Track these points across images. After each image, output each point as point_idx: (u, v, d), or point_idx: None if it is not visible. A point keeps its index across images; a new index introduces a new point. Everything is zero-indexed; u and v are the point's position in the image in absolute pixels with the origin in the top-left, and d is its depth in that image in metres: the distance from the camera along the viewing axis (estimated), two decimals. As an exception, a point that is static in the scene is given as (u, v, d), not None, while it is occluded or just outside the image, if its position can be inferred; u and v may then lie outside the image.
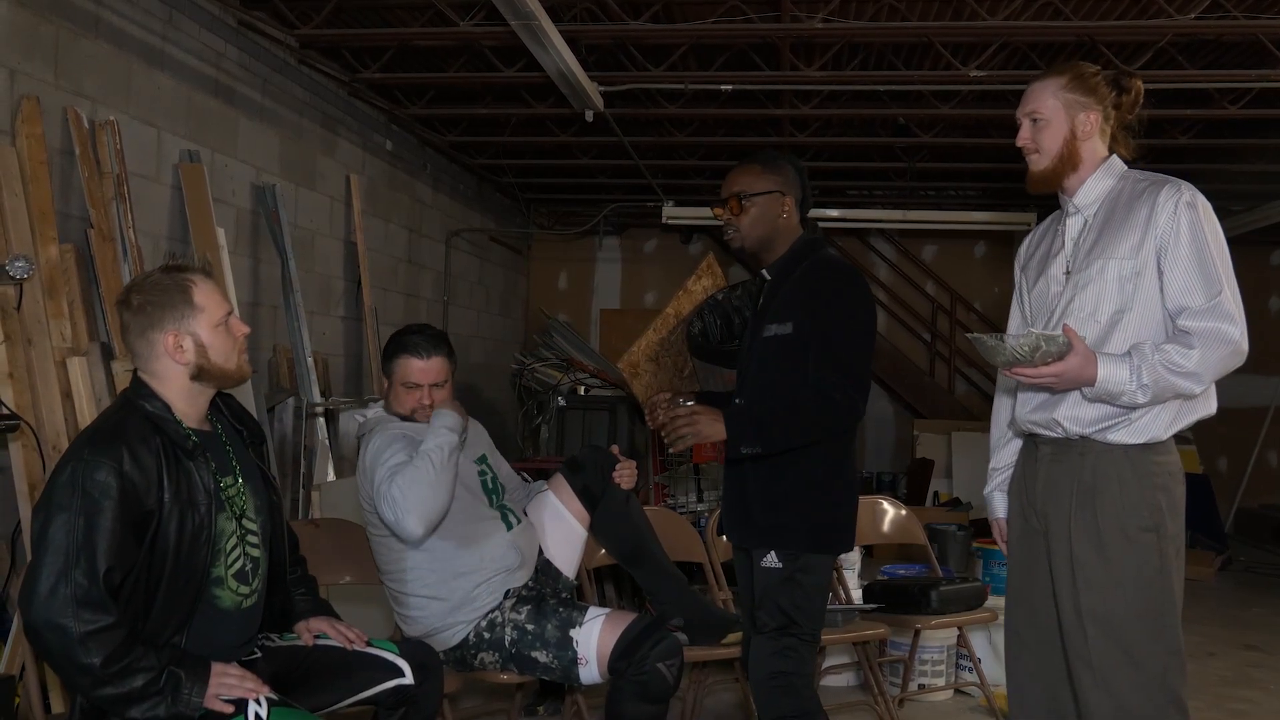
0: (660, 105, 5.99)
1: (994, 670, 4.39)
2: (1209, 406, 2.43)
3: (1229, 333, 2.29)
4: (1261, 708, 4.51)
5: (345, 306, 6.34)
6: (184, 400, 2.37)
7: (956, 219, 8.94)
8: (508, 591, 3.09)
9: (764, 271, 2.89)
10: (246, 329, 2.48)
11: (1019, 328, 2.70)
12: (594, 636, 2.93)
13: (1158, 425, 2.37)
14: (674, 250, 10.50)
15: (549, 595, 3.18)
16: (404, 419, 3.15)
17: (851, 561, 4.40)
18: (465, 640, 3.06)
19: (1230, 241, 2.42)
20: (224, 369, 2.39)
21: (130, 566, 2.20)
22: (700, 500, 4.97)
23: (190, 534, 2.29)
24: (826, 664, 4.10)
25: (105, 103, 4.19)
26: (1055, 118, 2.49)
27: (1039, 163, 2.53)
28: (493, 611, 3.05)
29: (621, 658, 2.88)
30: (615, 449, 3.39)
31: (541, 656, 2.97)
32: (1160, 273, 2.35)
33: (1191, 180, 2.45)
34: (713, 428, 2.71)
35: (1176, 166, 6.93)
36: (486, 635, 3.04)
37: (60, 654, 2.12)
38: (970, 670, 4.36)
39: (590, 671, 2.93)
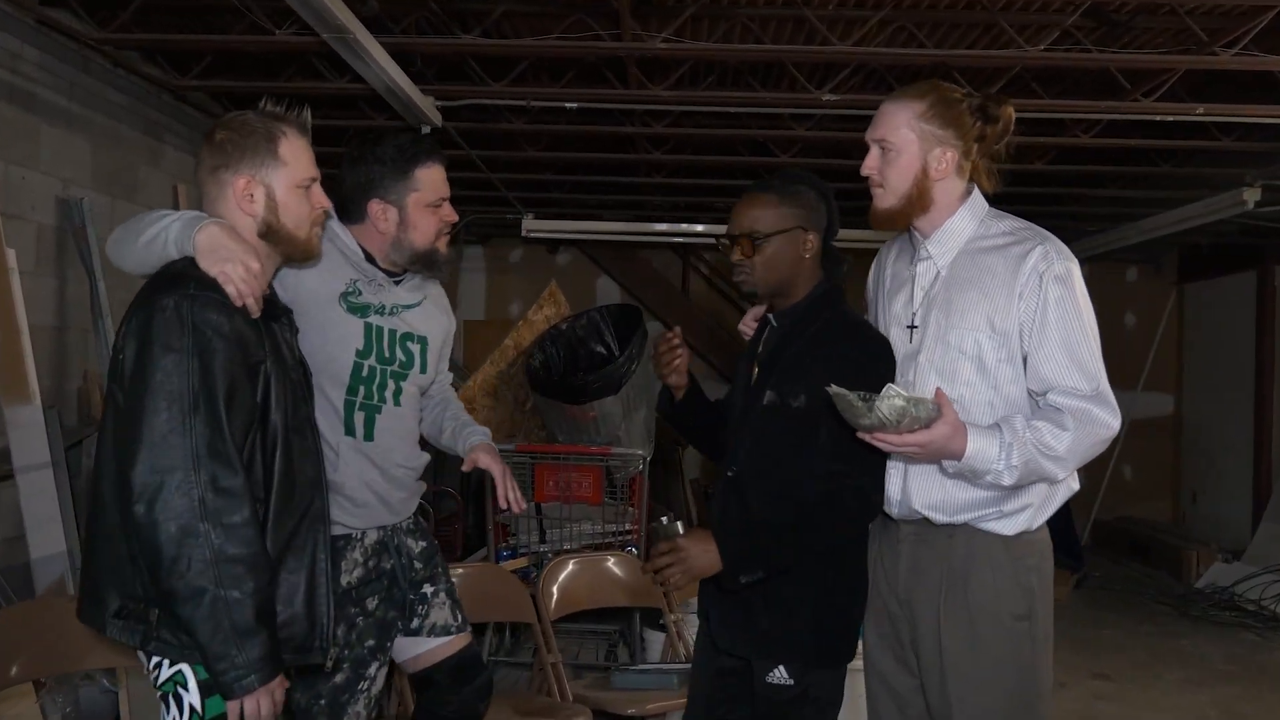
0: (507, 120, 5.71)
1: None
2: (1073, 484, 2.22)
3: (1106, 422, 2.07)
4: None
5: (170, 327, 5.89)
6: None
7: (821, 235, 8.85)
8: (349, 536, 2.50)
9: (770, 317, 2.45)
10: (328, 203, 2.21)
11: None
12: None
13: (1025, 518, 2.16)
14: (540, 260, 10.20)
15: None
16: (417, 254, 2.51)
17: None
18: None
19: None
20: (293, 235, 2.15)
21: (251, 422, 1.98)
22: (543, 541, 4.70)
23: (291, 404, 2.07)
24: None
25: None
26: (907, 151, 2.19)
27: (883, 199, 2.24)
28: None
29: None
30: None
31: None
32: (1024, 350, 2.11)
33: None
34: (705, 559, 2.22)
35: (1034, 190, 6.97)
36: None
37: (174, 516, 1.85)
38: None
39: None
